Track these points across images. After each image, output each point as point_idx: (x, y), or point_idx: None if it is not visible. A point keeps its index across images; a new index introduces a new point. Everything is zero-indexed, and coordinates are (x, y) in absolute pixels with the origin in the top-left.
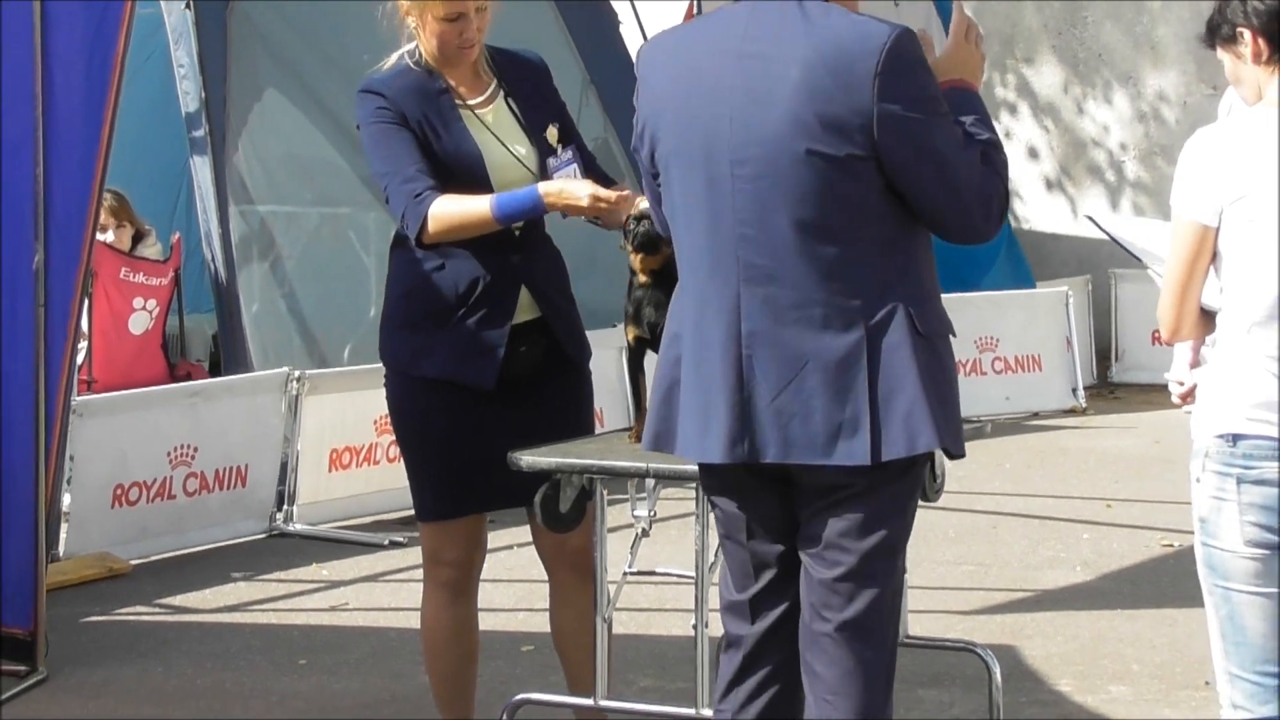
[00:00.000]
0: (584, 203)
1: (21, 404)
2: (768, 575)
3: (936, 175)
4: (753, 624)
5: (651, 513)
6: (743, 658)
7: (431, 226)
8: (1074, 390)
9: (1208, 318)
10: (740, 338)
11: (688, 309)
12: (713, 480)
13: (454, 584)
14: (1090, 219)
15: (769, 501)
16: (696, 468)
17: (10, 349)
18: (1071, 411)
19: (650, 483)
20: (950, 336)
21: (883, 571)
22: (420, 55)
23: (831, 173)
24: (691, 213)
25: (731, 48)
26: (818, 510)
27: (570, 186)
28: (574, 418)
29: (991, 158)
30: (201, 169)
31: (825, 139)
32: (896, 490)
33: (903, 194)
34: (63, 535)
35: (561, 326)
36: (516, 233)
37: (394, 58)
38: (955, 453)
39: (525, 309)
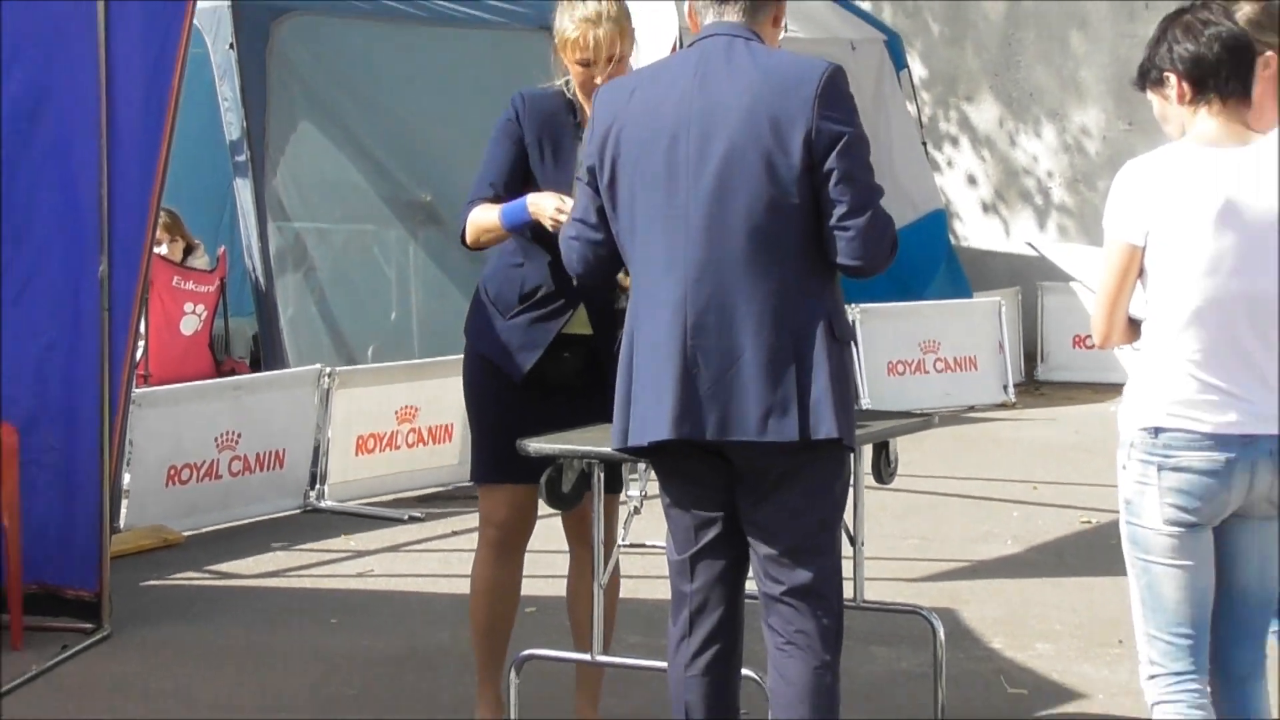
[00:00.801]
0: (549, 212)
1: (89, 396)
2: (706, 537)
3: (856, 190)
4: (693, 581)
5: (642, 493)
6: (688, 614)
7: (467, 231)
8: (1005, 387)
9: (1134, 326)
10: (687, 332)
11: (640, 308)
12: (662, 455)
13: (498, 544)
14: (1030, 244)
15: (708, 474)
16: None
17: (78, 348)
18: (1003, 405)
19: (641, 467)
20: (852, 342)
21: (821, 545)
22: (570, 86)
23: (777, 188)
24: (650, 222)
25: (686, 81)
26: (756, 496)
27: (541, 198)
28: (595, 420)
29: (882, 217)
30: (243, 190)
31: (775, 149)
32: (820, 473)
33: (825, 209)
34: (124, 510)
35: (605, 348)
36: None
37: (560, 81)
38: (848, 443)
39: (579, 323)
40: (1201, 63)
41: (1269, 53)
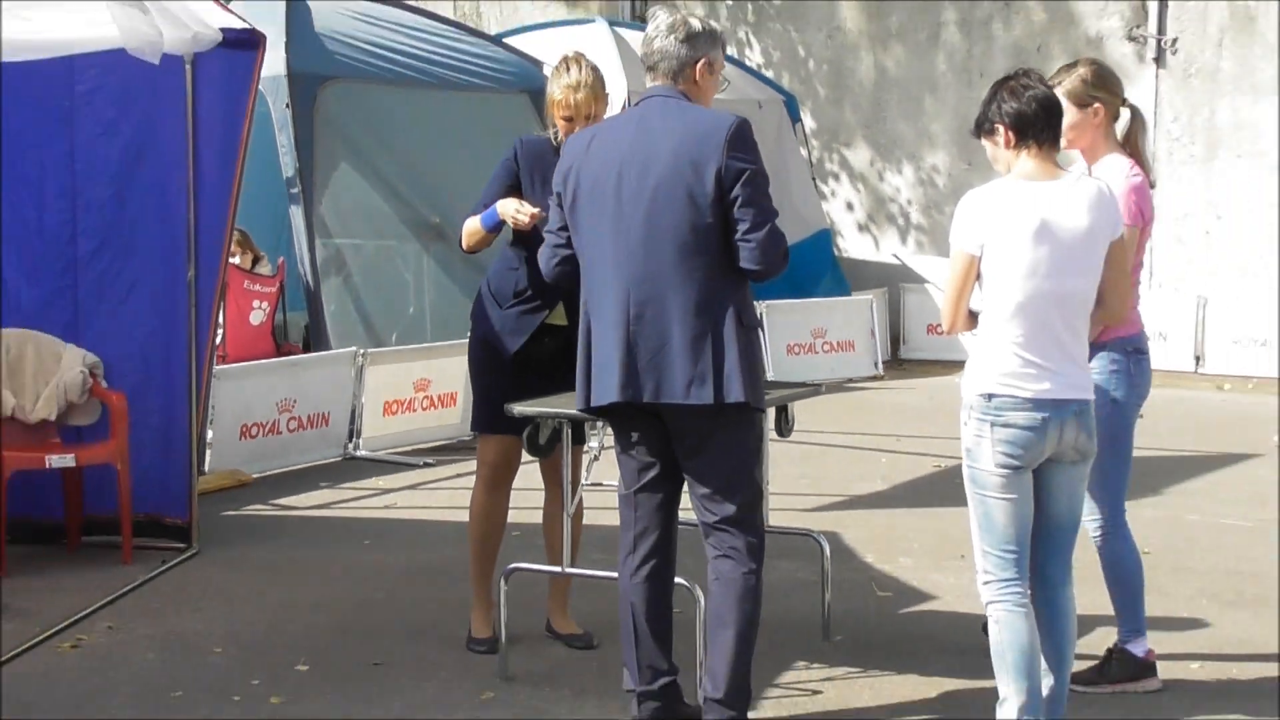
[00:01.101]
0: (510, 211)
1: (180, 371)
2: (646, 478)
3: (756, 211)
4: (636, 511)
5: (600, 444)
6: (632, 537)
7: (463, 238)
8: (875, 364)
9: (973, 317)
10: (629, 320)
11: (592, 301)
12: (613, 414)
13: (490, 480)
14: (895, 255)
15: (646, 428)
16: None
17: (173, 335)
18: (874, 378)
19: (599, 424)
20: (758, 328)
21: (741, 485)
22: (558, 133)
23: (696, 212)
24: (598, 235)
25: (631, 129)
26: (686, 449)
27: (506, 202)
28: (565, 389)
29: (777, 234)
30: (296, 215)
31: (694, 182)
32: (735, 430)
33: (732, 227)
34: (207, 457)
35: (574, 335)
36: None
37: (550, 132)
38: (756, 405)
39: (557, 316)
40: (1023, 117)
41: (1097, 104)
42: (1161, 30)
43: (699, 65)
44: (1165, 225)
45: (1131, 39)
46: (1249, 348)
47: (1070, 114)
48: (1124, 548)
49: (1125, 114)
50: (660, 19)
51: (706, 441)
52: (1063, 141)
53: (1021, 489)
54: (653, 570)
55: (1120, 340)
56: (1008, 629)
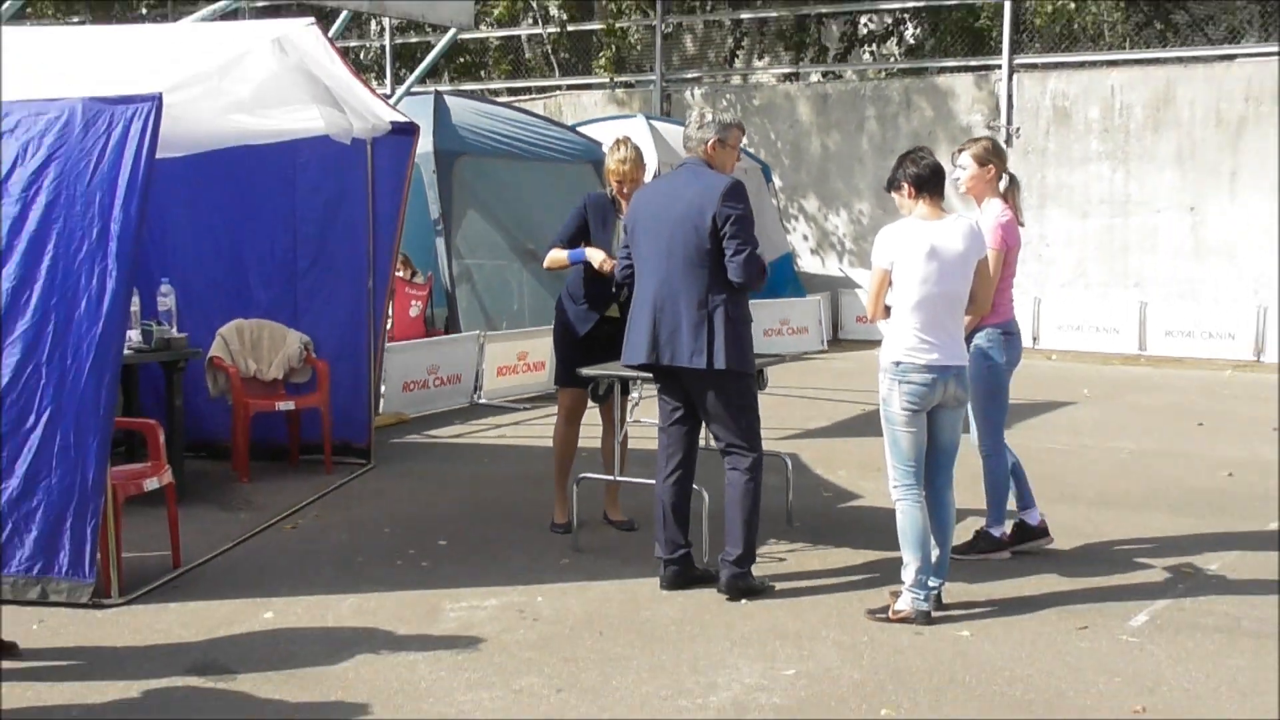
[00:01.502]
0: (595, 260)
1: (362, 346)
2: (674, 417)
3: (739, 241)
4: (668, 438)
5: (639, 395)
6: (665, 456)
7: (546, 260)
8: (822, 342)
9: (887, 310)
10: (654, 309)
11: (637, 296)
12: (651, 373)
13: (566, 418)
14: (842, 270)
15: (672, 384)
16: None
17: (357, 323)
18: (821, 352)
19: (638, 381)
20: (749, 321)
21: (739, 421)
22: (612, 190)
23: (701, 239)
24: (643, 254)
25: (668, 187)
26: (699, 399)
27: (592, 252)
28: (615, 359)
29: (749, 252)
30: (439, 244)
31: (699, 221)
32: (728, 386)
33: (724, 251)
34: (380, 403)
35: (624, 324)
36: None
37: (607, 190)
38: (739, 369)
39: (611, 311)
40: (920, 178)
41: (990, 165)
42: (1010, 122)
43: (710, 144)
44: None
45: (989, 128)
46: (1068, 331)
47: (972, 169)
48: (1000, 466)
49: (1006, 178)
50: (692, 116)
51: (707, 394)
52: (963, 187)
53: (919, 425)
54: (679, 478)
55: (996, 325)
56: (908, 517)
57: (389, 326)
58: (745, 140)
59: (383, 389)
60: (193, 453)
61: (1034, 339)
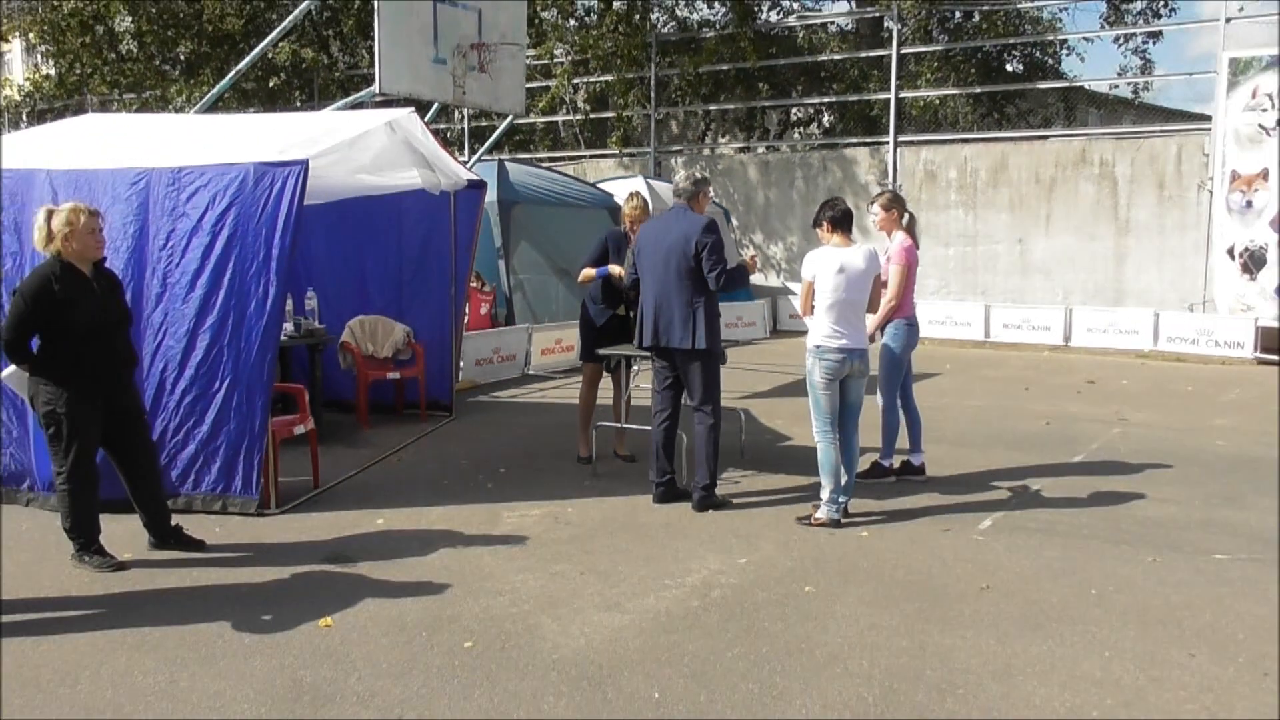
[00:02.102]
0: (615, 272)
1: (445, 335)
2: (666, 382)
3: (713, 260)
4: (661, 398)
5: (639, 367)
6: (657, 409)
7: (580, 275)
8: (766, 332)
9: (813, 309)
10: (655, 308)
11: (644, 297)
12: (652, 351)
13: (588, 383)
14: (781, 283)
15: (666, 360)
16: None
17: (442, 321)
18: (765, 339)
19: (637, 359)
20: (719, 315)
21: (708, 387)
22: (625, 227)
23: (687, 260)
24: (649, 268)
25: (664, 223)
26: (682, 371)
27: (612, 268)
28: (624, 342)
29: (721, 268)
30: (501, 265)
31: (685, 246)
32: (703, 362)
33: (703, 268)
34: (459, 374)
35: (631, 318)
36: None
37: (622, 228)
38: (713, 350)
39: (621, 309)
40: (835, 219)
41: (894, 209)
42: (895, 181)
43: (698, 196)
44: None
45: (880, 185)
46: (935, 325)
47: (881, 214)
48: (893, 417)
49: (908, 216)
50: (679, 177)
51: (690, 366)
52: (878, 225)
53: (833, 390)
54: (668, 426)
55: (902, 318)
56: (825, 454)
57: (466, 320)
58: (713, 192)
59: (461, 364)
60: (328, 408)
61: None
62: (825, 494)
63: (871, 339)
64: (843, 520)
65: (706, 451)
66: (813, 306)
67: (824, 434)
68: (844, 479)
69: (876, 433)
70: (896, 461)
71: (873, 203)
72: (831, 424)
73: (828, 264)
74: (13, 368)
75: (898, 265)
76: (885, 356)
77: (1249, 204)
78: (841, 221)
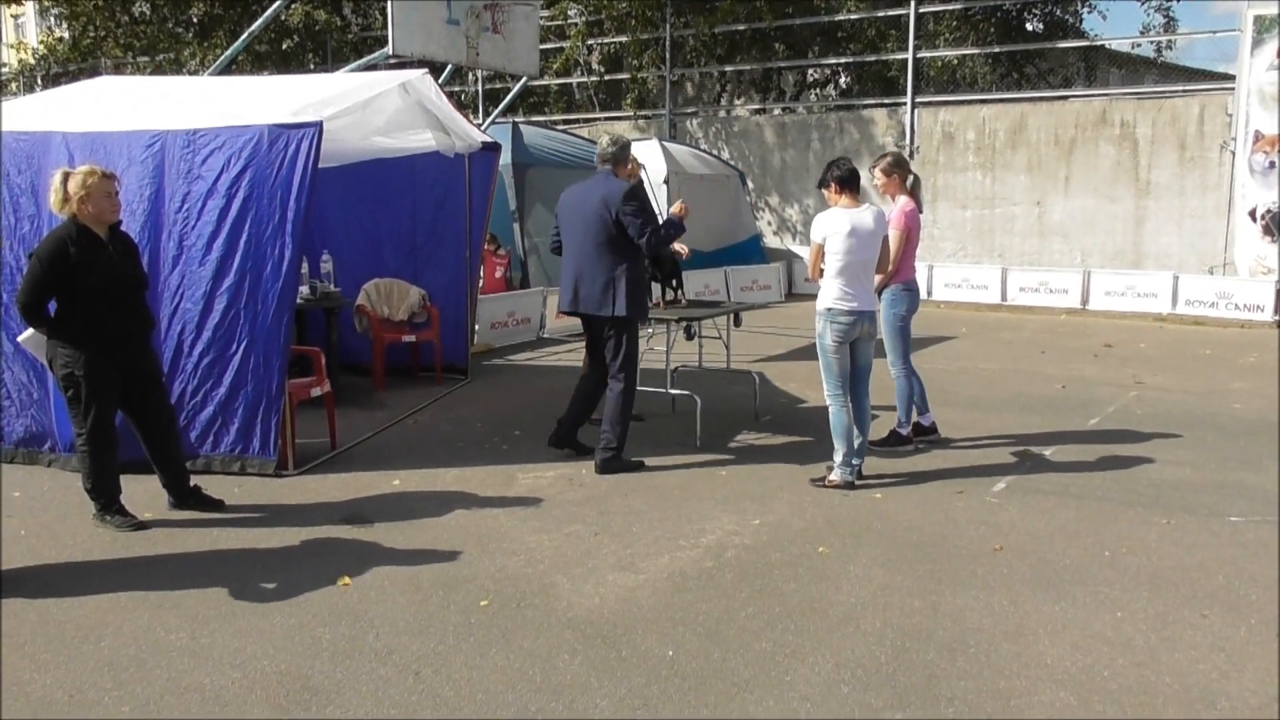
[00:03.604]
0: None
1: (463, 298)
2: (594, 347)
3: (640, 225)
4: (591, 362)
5: (652, 329)
6: (582, 376)
7: None
8: (781, 295)
9: (822, 272)
10: (575, 275)
11: (565, 263)
12: (579, 318)
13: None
14: (795, 246)
15: (588, 325)
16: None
17: (457, 282)
18: (780, 302)
19: (651, 324)
20: (642, 281)
21: (624, 355)
22: (645, 180)
23: (607, 228)
24: (570, 234)
25: (586, 188)
26: (600, 338)
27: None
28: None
29: (650, 231)
30: (516, 228)
31: (605, 212)
32: (620, 330)
33: (626, 233)
34: (474, 337)
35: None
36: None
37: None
38: (631, 317)
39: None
40: (842, 179)
41: (896, 173)
42: (912, 143)
43: (622, 161)
44: None
45: (898, 146)
46: (952, 288)
47: (881, 178)
48: (908, 384)
49: (911, 178)
50: (604, 140)
51: (606, 334)
52: (881, 188)
53: (844, 353)
54: (588, 393)
55: (901, 283)
56: (837, 417)
57: (481, 284)
58: (728, 155)
59: (476, 327)
60: (344, 371)
61: (928, 293)
62: (839, 457)
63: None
64: (856, 482)
65: (615, 416)
66: (821, 270)
67: (835, 397)
68: (857, 441)
69: (887, 394)
70: (910, 428)
71: (874, 166)
72: (843, 387)
73: (838, 225)
74: (31, 331)
75: (896, 230)
76: (888, 324)
77: (1272, 165)
78: (849, 181)
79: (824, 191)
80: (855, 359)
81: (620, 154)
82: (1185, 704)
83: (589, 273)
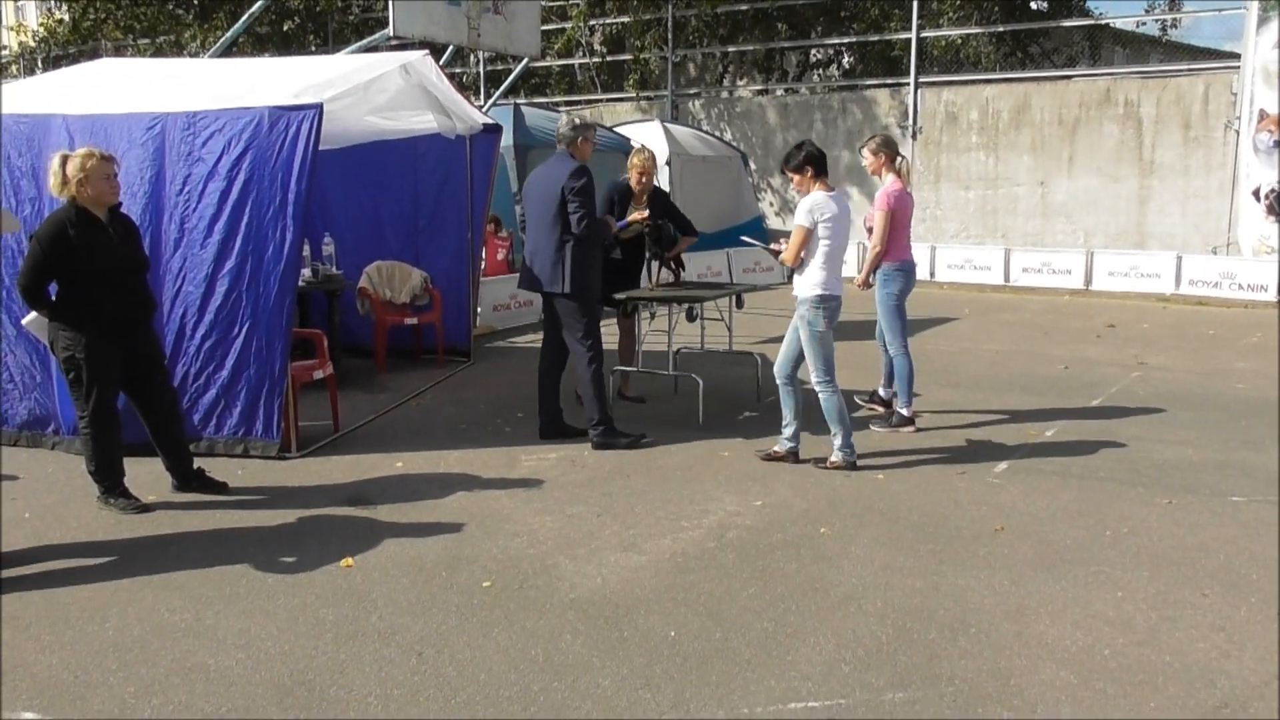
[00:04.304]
0: (633, 218)
1: (465, 281)
2: (553, 324)
3: (576, 208)
4: (545, 341)
5: (654, 314)
6: (545, 349)
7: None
8: (784, 277)
9: (799, 260)
10: (528, 254)
11: (526, 243)
12: (532, 291)
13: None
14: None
15: (544, 303)
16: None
17: (459, 263)
18: (782, 284)
19: (654, 304)
20: (592, 262)
21: (585, 330)
22: (634, 179)
23: (556, 204)
24: (529, 214)
25: (544, 170)
26: (556, 310)
27: (632, 216)
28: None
29: (587, 216)
30: (518, 210)
31: (554, 193)
32: (573, 306)
33: (569, 213)
34: (477, 319)
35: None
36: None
37: (625, 178)
38: (584, 295)
39: (617, 253)
40: (811, 160)
41: (883, 154)
42: (915, 123)
43: (577, 141)
44: (917, 212)
45: (901, 127)
46: (955, 269)
47: (870, 157)
48: (905, 364)
49: (899, 159)
50: (561, 121)
51: (558, 310)
52: (869, 170)
53: (831, 338)
54: (549, 365)
55: (893, 262)
56: (828, 401)
57: (483, 266)
58: (730, 137)
59: (479, 309)
60: (346, 354)
61: (931, 274)
62: (838, 440)
63: (867, 284)
64: (858, 463)
65: (591, 391)
66: (801, 257)
67: (825, 383)
68: (846, 427)
69: (871, 378)
70: (879, 405)
71: (862, 146)
72: (831, 372)
73: (827, 211)
74: (33, 314)
75: (880, 211)
76: (882, 304)
77: (1276, 144)
78: (820, 163)
79: (794, 177)
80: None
81: (575, 134)
82: (1185, 682)
83: (542, 249)
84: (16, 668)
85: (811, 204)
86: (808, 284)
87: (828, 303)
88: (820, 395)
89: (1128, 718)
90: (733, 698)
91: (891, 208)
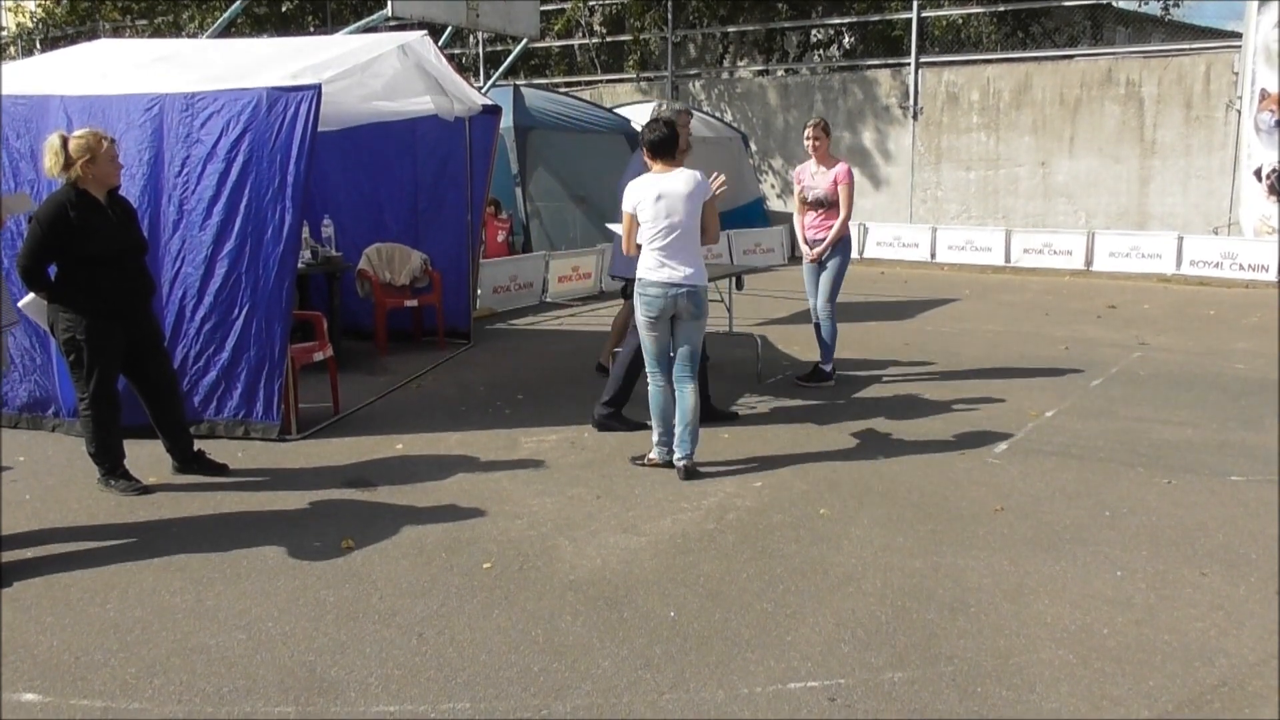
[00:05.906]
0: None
1: (465, 263)
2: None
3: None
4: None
5: None
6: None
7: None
8: (783, 258)
9: (637, 247)
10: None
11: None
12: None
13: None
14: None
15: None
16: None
17: (460, 247)
18: (783, 265)
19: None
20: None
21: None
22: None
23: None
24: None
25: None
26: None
27: None
28: None
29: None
30: (518, 192)
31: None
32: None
33: None
34: (477, 301)
35: None
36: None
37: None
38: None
39: None
40: (653, 144)
41: (827, 137)
42: (916, 103)
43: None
44: (917, 193)
45: (902, 107)
46: (955, 250)
47: (824, 138)
48: (831, 326)
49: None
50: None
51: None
52: (823, 145)
53: (660, 330)
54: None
55: (845, 239)
56: (652, 395)
57: (483, 248)
58: (731, 119)
59: (479, 291)
60: (346, 336)
61: (932, 255)
62: (655, 436)
63: (822, 255)
64: (697, 468)
65: (622, 373)
66: (639, 244)
67: (652, 375)
68: (677, 428)
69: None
70: (830, 369)
71: (816, 128)
72: (658, 365)
73: (647, 193)
74: (32, 295)
75: (845, 185)
76: (841, 272)
77: (1278, 124)
78: (659, 146)
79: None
80: (677, 338)
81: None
82: (1184, 661)
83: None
84: (17, 649)
85: (628, 188)
86: (642, 268)
87: (643, 289)
88: (663, 391)
89: (1126, 695)
90: (732, 678)
91: (846, 184)
